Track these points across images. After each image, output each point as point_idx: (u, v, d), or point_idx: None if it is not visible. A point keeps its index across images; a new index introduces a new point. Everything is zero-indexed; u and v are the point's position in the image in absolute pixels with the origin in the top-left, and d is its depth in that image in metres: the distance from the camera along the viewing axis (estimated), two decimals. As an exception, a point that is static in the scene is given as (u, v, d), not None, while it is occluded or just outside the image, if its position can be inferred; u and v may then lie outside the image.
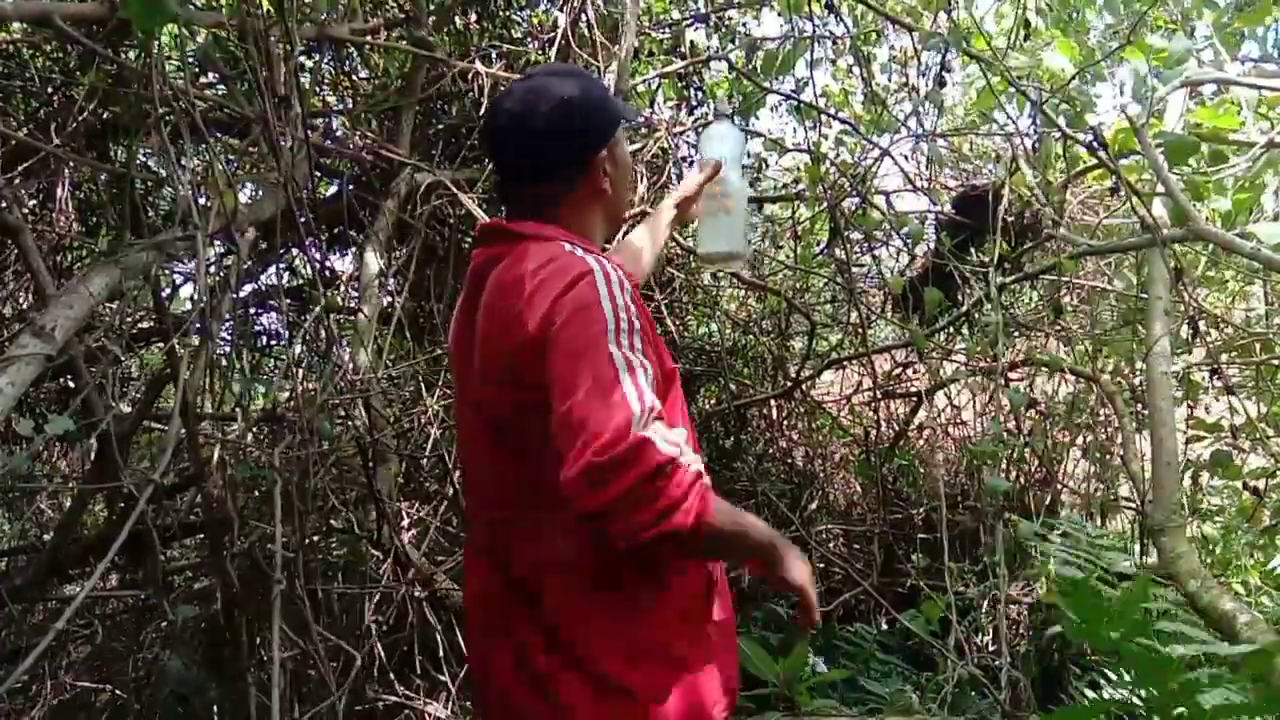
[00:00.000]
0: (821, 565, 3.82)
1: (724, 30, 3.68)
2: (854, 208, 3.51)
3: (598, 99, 1.45)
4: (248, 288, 3.14)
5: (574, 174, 1.43)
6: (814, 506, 4.11)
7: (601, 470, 1.12)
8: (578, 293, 1.25)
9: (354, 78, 3.43)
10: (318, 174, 3.15)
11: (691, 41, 3.55)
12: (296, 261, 3.52)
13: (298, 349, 2.75)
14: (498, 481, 1.38)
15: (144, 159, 2.93)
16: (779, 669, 2.69)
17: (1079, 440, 4.21)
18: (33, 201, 2.93)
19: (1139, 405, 3.42)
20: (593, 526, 1.19)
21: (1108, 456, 4.07)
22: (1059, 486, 4.22)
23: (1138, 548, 3.46)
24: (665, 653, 1.32)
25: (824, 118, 3.40)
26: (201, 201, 2.06)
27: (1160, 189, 2.38)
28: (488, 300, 1.36)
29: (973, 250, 3.32)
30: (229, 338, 3.01)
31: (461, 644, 2.49)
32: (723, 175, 1.87)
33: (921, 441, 4.43)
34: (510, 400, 1.31)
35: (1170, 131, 2.26)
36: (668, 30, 3.55)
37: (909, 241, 3.54)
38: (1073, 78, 2.58)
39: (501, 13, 3.28)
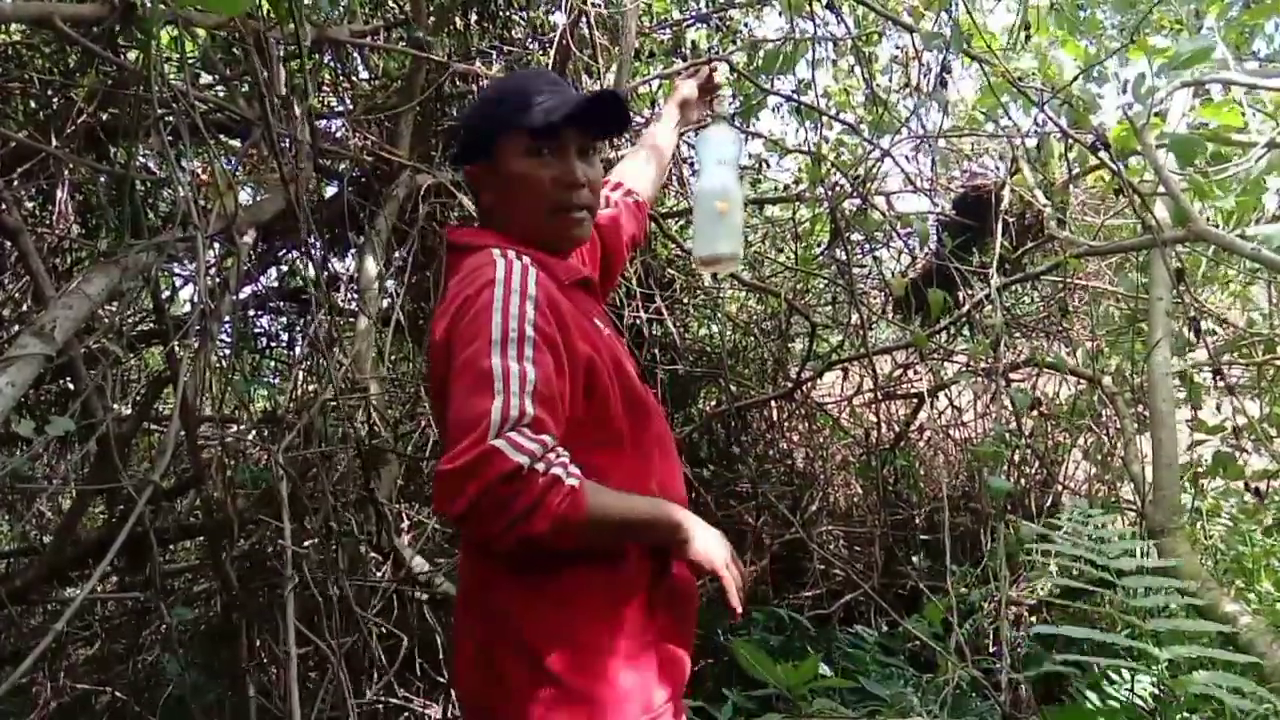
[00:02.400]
0: (822, 567, 3.82)
1: (725, 31, 3.68)
2: (855, 209, 3.50)
3: (485, 104, 1.47)
4: (248, 289, 3.14)
5: (472, 184, 1.47)
6: (814, 508, 4.10)
7: (448, 480, 1.16)
8: (475, 304, 1.28)
9: (354, 79, 3.42)
10: (318, 175, 3.15)
11: (693, 42, 3.54)
12: (297, 263, 3.52)
13: (298, 350, 2.75)
14: None
15: (144, 160, 2.93)
16: (781, 673, 2.68)
17: (1080, 441, 4.21)
18: (32, 204, 2.93)
19: (1140, 406, 3.42)
20: (459, 531, 1.22)
21: (1109, 458, 4.06)
22: (1060, 488, 4.21)
23: (1139, 549, 3.46)
24: (602, 640, 1.33)
25: (825, 118, 3.40)
26: (201, 203, 2.06)
27: (1162, 189, 2.37)
28: (435, 310, 1.44)
29: (974, 251, 3.31)
30: (229, 339, 3.01)
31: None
32: (720, 181, 1.88)
33: (922, 443, 4.43)
34: (442, 406, 1.33)
35: (1174, 132, 2.26)
36: (669, 31, 3.54)
37: (917, 242, 3.54)
38: (1075, 78, 2.57)
39: (502, 13, 3.27)
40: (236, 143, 3.04)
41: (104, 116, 2.63)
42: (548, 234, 1.48)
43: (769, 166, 3.93)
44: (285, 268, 3.53)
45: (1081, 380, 3.96)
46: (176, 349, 2.04)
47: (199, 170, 2.60)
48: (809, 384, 3.95)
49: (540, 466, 1.17)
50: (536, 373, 1.23)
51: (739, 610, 1.39)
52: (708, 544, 1.37)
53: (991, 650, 3.27)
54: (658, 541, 1.36)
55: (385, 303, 2.97)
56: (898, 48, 3.67)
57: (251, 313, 3.38)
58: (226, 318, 2.37)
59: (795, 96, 3.31)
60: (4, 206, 2.10)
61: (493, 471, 1.15)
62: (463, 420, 1.19)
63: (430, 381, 1.43)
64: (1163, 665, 1.76)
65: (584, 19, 2.91)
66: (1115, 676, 3.40)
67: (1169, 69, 2.22)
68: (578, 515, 1.20)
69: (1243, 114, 2.50)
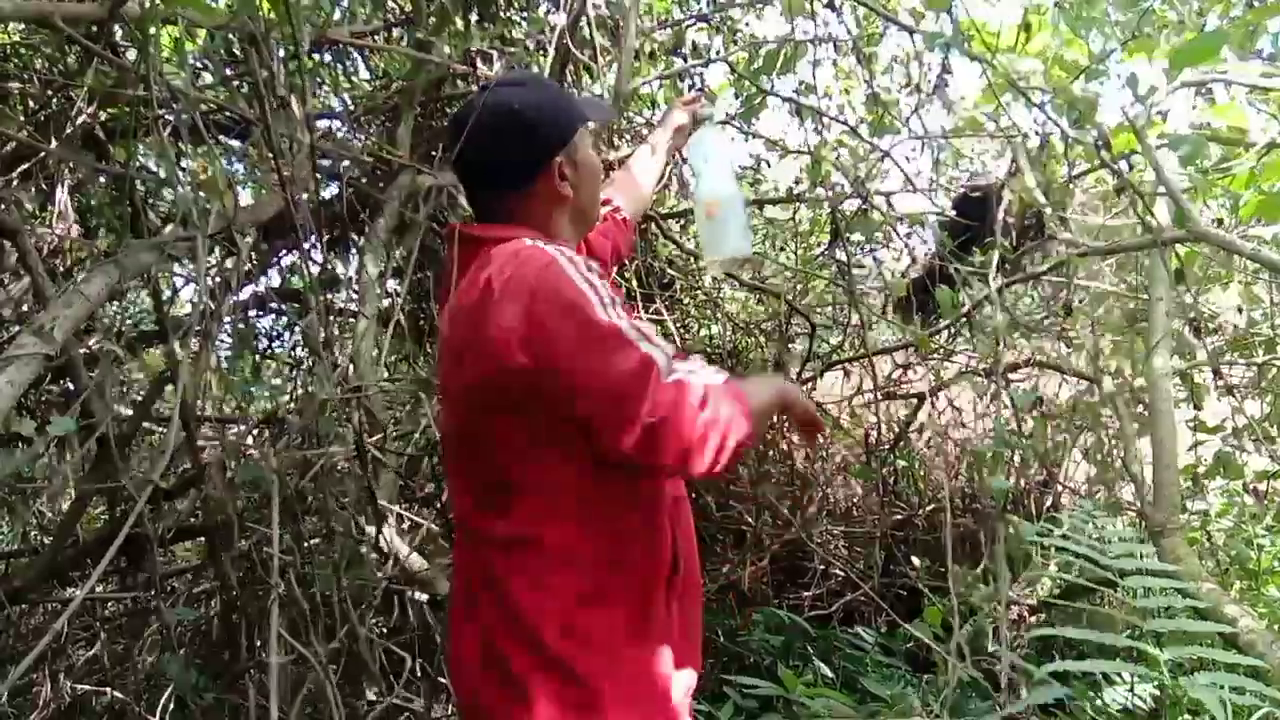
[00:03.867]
0: (822, 567, 3.82)
1: (725, 30, 3.67)
2: (855, 210, 3.50)
3: (546, 106, 1.49)
4: (248, 290, 3.14)
5: (528, 181, 1.47)
6: (814, 509, 4.10)
7: (659, 429, 1.22)
8: (551, 285, 1.30)
9: (354, 79, 3.42)
10: (317, 175, 3.15)
11: (693, 42, 3.54)
12: (298, 263, 3.52)
13: (299, 351, 2.75)
14: (468, 475, 1.43)
15: (142, 160, 2.93)
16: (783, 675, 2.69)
17: (1080, 442, 4.21)
18: (31, 204, 2.93)
19: (1140, 407, 3.41)
20: (677, 476, 1.32)
21: (1109, 459, 4.06)
22: (1060, 488, 4.21)
23: (1140, 549, 3.45)
24: (621, 637, 1.34)
25: (825, 119, 3.39)
26: (202, 202, 2.06)
27: (1162, 190, 2.37)
28: (454, 305, 1.41)
29: (974, 251, 3.31)
30: (229, 339, 3.00)
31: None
32: (718, 182, 1.89)
33: (922, 444, 4.42)
34: (480, 401, 1.34)
35: (1176, 132, 2.25)
36: (669, 30, 3.54)
37: (917, 241, 3.53)
38: (1076, 77, 2.57)
39: (503, 13, 3.27)
40: (236, 143, 3.04)
41: (103, 116, 2.63)
42: (593, 217, 1.61)
43: (769, 167, 3.92)
44: (287, 269, 3.53)
45: (1082, 380, 3.95)
46: (176, 349, 2.04)
47: (198, 170, 2.60)
48: (809, 384, 3.95)
49: (713, 380, 1.28)
50: (640, 322, 1.31)
51: (823, 429, 1.52)
52: (800, 396, 1.49)
53: (991, 650, 3.27)
54: (779, 411, 1.46)
55: (385, 303, 2.97)
56: (899, 45, 3.67)
57: (252, 313, 3.38)
58: (227, 318, 2.37)
59: (795, 98, 3.30)
60: (4, 206, 2.10)
61: (692, 402, 1.23)
62: (624, 375, 1.24)
63: (463, 372, 1.38)
64: (1164, 666, 1.74)
65: (584, 19, 2.91)
66: (1117, 679, 3.40)
67: (1173, 67, 2.21)
68: (753, 411, 1.31)
69: (1244, 114, 2.50)
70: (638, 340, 1.26)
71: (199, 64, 2.66)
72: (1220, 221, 2.56)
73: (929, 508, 4.07)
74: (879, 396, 4.03)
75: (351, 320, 2.74)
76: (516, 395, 1.29)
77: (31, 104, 2.68)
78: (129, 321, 3.07)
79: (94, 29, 2.02)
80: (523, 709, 1.30)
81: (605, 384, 1.24)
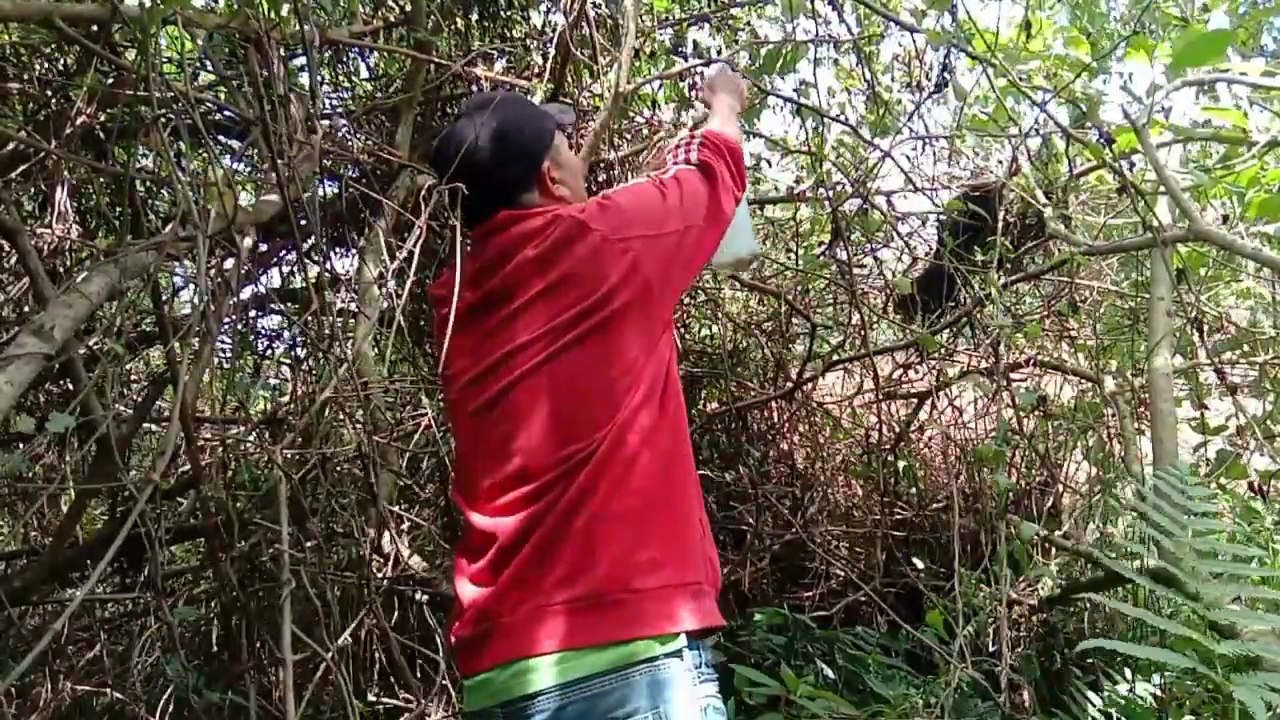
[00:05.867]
0: (823, 568, 3.81)
1: (727, 30, 3.67)
2: (855, 209, 3.49)
3: (525, 122, 1.66)
4: (248, 290, 3.13)
5: (527, 192, 1.63)
6: (815, 509, 4.09)
7: (728, 196, 1.71)
8: (624, 193, 1.60)
9: (354, 78, 3.42)
10: (318, 174, 3.14)
11: (694, 42, 3.53)
12: (299, 263, 3.51)
13: (299, 351, 2.74)
14: (557, 419, 1.47)
15: (143, 161, 2.92)
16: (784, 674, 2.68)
17: (1081, 442, 4.20)
18: (31, 204, 2.92)
19: (1141, 406, 3.40)
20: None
21: (1109, 458, 4.05)
22: (1061, 488, 4.20)
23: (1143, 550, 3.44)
24: (681, 518, 1.48)
25: (826, 119, 3.38)
26: (200, 203, 2.05)
27: (1164, 189, 2.36)
28: (525, 256, 1.52)
29: (975, 250, 3.31)
30: (229, 340, 3.00)
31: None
32: None
33: (923, 444, 4.41)
34: (590, 315, 1.47)
35: (1181, 126, 2.25)
36: (670, 30, 3.53)
37: (940, 224, 3.52)
38: (1076, 76, 2.57)
39: (504, 13, 3.26)
40: (236, 143, 3.04)
41: (103, 116, 2.62)
42: None
43: (770, 166, 3.91)
44: (287, 268, 3.52)
45: (1083, 380, 3.95)
46: (176, 349, 2.04)
47: (202, 171, 2.59)
48: (809, 384, 3.94)
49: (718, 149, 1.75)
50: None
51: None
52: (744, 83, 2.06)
53: (992, 649, 3.26)
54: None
55: (385, 304, 2.96)
56: (900, 44, 3.66)
57: (252, 313, 3.37)
58: (226, 319, 2.36)
59: (796, 97, 3.30)
60: (4, 206, 2.10)
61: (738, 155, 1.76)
62: (701, 197, 1.65)
63: (558, 302, 1.49)
64: (1218, 661, 1.68)
65: (584, 20, 2.90)
66: (1120, 677, 3.40)
67: (1176, 65, 2.21)
68: (735, 151, 1.78)
69: (1245, 113, 2.49)
70: (676, 182, 1.62)
71: (199, 63, 2.66)
72: (1226, 219, 2.55)
73: (931, 508, 4.06)
74: (880, 396, 4.02)
75: (352, 320, 2.74)
76: (634, 289, 1.48)
77: (31, 104, 2.68)
78: (131, 320, 3.06)
79: (94, 29, 2.01)
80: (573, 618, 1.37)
81: (701, 213, 1.62)
